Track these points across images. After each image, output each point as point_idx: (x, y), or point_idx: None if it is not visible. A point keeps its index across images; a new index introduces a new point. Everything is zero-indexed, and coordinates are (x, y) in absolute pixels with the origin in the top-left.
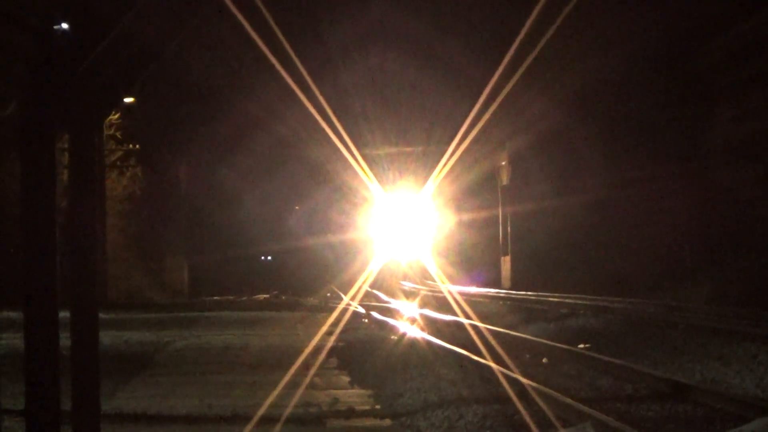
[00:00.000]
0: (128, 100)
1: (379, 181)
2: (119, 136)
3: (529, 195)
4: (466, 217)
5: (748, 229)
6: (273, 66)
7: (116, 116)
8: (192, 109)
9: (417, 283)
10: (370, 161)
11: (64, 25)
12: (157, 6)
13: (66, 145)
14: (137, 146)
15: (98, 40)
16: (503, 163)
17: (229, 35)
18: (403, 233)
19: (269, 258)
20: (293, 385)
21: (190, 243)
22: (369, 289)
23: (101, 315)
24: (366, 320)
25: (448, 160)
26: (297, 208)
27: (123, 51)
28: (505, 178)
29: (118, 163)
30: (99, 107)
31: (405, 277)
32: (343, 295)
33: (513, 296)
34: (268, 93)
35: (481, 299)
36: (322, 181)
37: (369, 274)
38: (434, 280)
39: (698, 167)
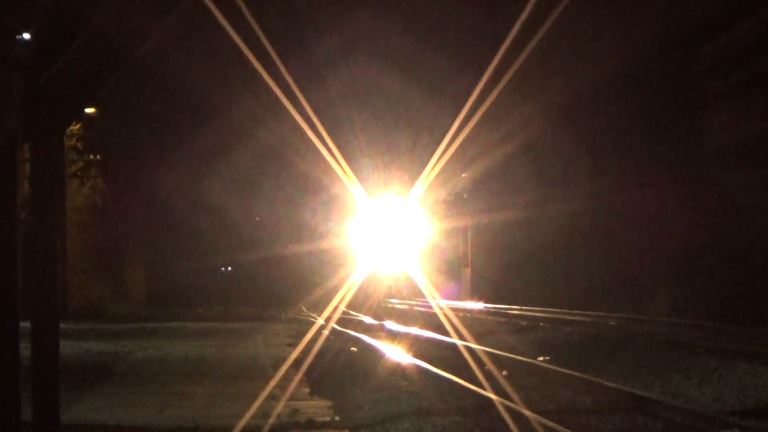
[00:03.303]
0: (89, 110)
1: (363, 185)
2: (80, 147)
3: (487, 208)
4: (449, 226)
5: (717, 243)
6: (251, 70)
7: (77, 126)
8: (162, 118)
9: (405, 299)
10: (353, 164)
11: (26, 35)
12: (120, 17)
13: (27, 155)
14: (98, 156)
15: (60, 50)
16: (463, 175)
17: (208, 40)
18: (388, 242)
19: (229, 269)
20: (253, 396)
21: (152, 253)
22: (346, 310)
23: (61, 325)
24: (326, 331)
25: (432, 169)
26: (257, 219)
27: (85, 61)
28: (466, 191)
29: (79, 173)
30: (61, 117)
31: (390, 293)
32: (315, 316)
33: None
34: (242, 95)
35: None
36: (301, 186)
37: (348, 289)
38: (424, 296)
39: (663, 178)
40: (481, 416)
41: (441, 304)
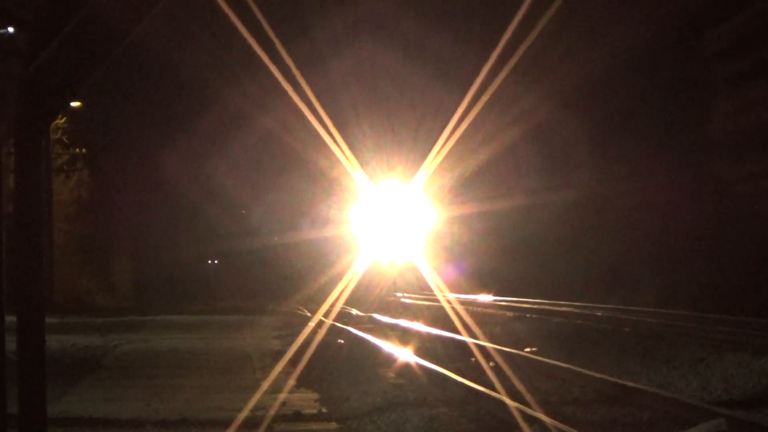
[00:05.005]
0: (75, 104)
1: (365, 171)
2: (65, 140)
3: (486, 197)
4: (453, 214)
5: (707, 233)
6: (251, 53)
7: (62, 120)
8: (156, 104)
9: (411, 292)
10: (356, 149)
11: (11, 29)
12: (105, 10)
13: (12, 149)
14: (83, 150)
15: (45, 43)
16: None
17: (206, 23)
18: (392, 230)
19: (216, 262)
20: (239, 388)
21: (139, 246)
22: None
23: (48, 319)
24: (314, 324)
25: (437, 155)
26: (243, 212)
27: (71, 55)
28: (465, 179)
29: (65, 166)
30: (46, 110)
31: (395, 285)
32: (305, 310)
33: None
34: (241, 79)
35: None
36: (302, 172)
37: (348, 282)
38: (430, 288)
39: (657, 168)
40: (468, 407)
41: (448, 298)
